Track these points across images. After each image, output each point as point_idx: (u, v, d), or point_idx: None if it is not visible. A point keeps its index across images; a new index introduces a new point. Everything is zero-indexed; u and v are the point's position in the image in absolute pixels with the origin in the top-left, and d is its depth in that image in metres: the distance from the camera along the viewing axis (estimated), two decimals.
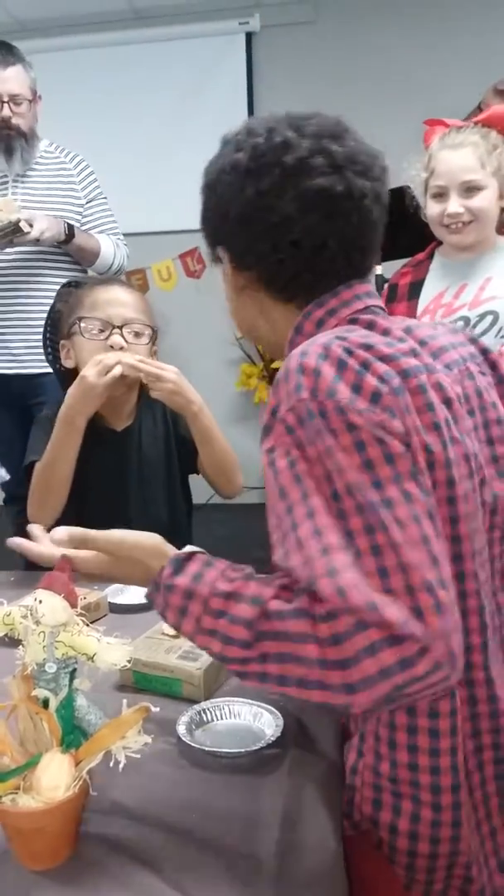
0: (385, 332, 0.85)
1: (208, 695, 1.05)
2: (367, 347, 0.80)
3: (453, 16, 3.76)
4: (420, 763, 0.83)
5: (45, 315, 1.71)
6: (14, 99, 2.31)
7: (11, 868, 0.76)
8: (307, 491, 0.73)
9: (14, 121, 2.31)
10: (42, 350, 1.72)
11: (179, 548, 0.88)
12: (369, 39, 3.83)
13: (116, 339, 1.52)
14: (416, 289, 1.84)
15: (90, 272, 2.50)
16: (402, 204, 1.79)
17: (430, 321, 1.60)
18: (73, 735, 0.77)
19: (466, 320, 1.72)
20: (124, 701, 0.77)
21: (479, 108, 2.15)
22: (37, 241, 2.24)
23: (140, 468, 1.64)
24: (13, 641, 0.80)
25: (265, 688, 0.72)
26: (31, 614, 0.77)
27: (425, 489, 0.75)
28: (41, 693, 0.77)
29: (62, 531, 0.89)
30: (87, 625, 0.80)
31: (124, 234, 2.55)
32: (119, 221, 2.53)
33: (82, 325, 1.54)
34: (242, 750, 0.92)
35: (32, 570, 1.44)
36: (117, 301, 1.55)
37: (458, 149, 1.71)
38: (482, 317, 1.71)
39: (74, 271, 2.44)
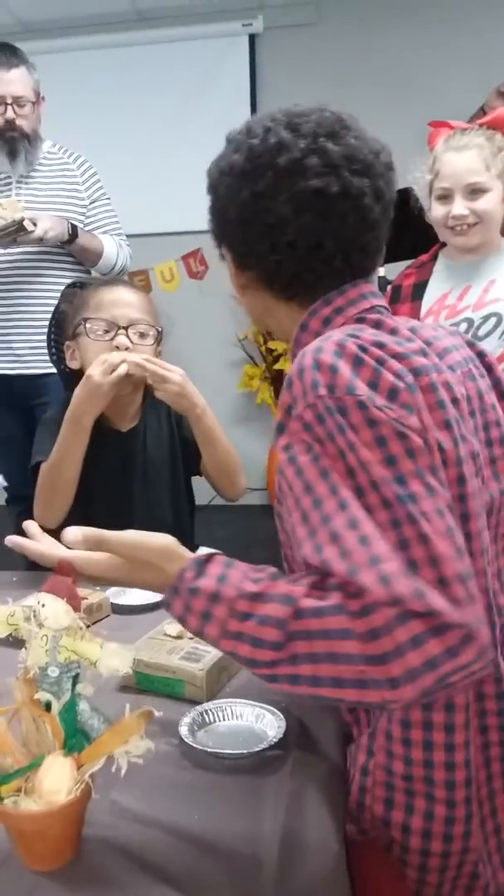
0: (393, 332, 0.86)
1: (211, 696, 1.05)
2: (380, 345, 0.80)
3: (455, 17, 3.77)
4: (435, 759, 0.83)
5: (48, 315, 1.71)
6: (18, 101, 2.31)
7: (14, 868, 0.76)
8: (336, 485, 0.73)
9: (18, 122, 2.32)
10: (45, 350, 1.72)
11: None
12: (371, 41, 3.84)
13: (122, 339, 1.52)
14: (419, 290, 1.84)
15: (93, 273, 2.50)
16: (405, 205, 1.79)
17: (433, 323, 1.60)
18: (75, 739, 0.76)
19: (470, 322, 1.72)
20: (127, 705, 0.77)
21: (483, 110, 2.15)
22: (40, 241, 2.25)
23: (145, 469, 1.64)
24: (14, 641, 0.80)
25: (295, 691, 0.70)
26: (34, 617, 0.77)
27: (444, 484, 0.75)
28: (43, 696, 0.77)
29: (76, 532, 0.84)
30: (88, 626, 0.79)
31: (127, 236, 2.55)
32: (122, 222, 2.54)
33: (87, 325, 1.54)
34: (244, 751, 0.92)
35: (35, 570, 1.44)
36: (122, 302, 1.55)
37: (463, 151, 1.71)
38: (486, 319, 1.71)
39: (77, 272, 2.44)
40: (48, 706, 0.77)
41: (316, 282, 0.90)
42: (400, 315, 1.76)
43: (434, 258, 1.87)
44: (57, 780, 0.73)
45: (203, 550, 0.83)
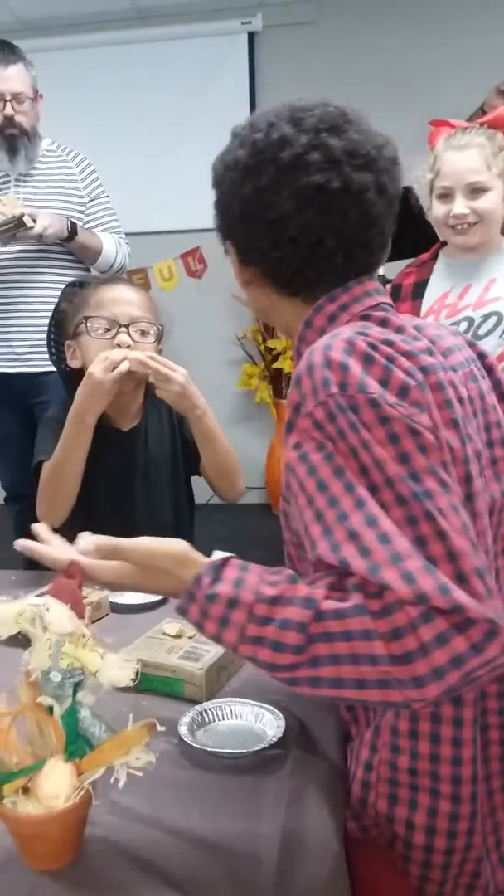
0: (399, 330, 0.86)
1: (210, 695, 1.05)
2: (389, 343, 0.80)
3: (455, 16, 3.77)
4: (442, 754, 0.84)
5: (47, 313, 1.71)
6: (17, 97, 2.31)
7: (14, 869, 0.76)
8: (351, 482, 0.73)
9: (17, 119, 2.32)
10: (45, 348, 1.72)
11: None
12: (371, 39, 3.83)
13: (123, 337, 1.52)
14: (420, 289, 1.84)
15: (92, 270, 2.50)
16: (406, 204, 1.78)
17: (433, 322, 1.60)
18: (76, 745, 0.76)
19: (471, 321, 1.73)
20: (130, 716, 0.76)
21: (482, 109, 2.15)
22: (39, 237, 2.24)
23: (146, 468, 1.64)
24: (13, 641, 0.80)
25: (316, 693, 0.71)
26: (40, 620, 0.76)
27: (455, 481, 0.75)
28: (46, 700, 0.76)
29: (89, 541, 0.84)
30: (90, 624, 0.79)
31: (125, 234, 2.55)
32: (120, 221, 2.53)
33: (88, 324, 1.53)
34: (244, 751, 0.92)
35: (34, 570, 1.44)
36: (123, 300, 1.55)
37: (464, 150, 1.71)
38: (486, 317, 1.72)
39: (76, 269, 2.44)
40: (51, 710, 0.76)
41: (318, 278, 0.90)
42: (400, 314, 1.76)
43: (434, 257, 1.87)
44: (56, 785, 0.73)
45: (217, 554, 0.81)
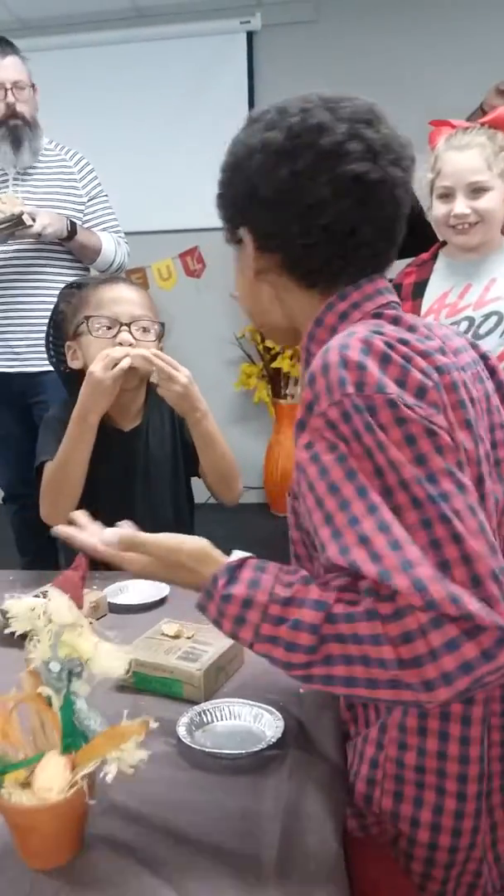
0: (412, 329, 0.85)
1: (208, 696, 1.05)
2: (404, 342, 0.80)
3: (454, 16, 3.76)
4: (449, 752, 0.84)
5: (46, 313, 1.70)
6: (17, 84, 2.32)
7: (12, 866, 0.76)
8: (364, 486, 0.73)
9: (19, 108, 2.32)
10: (44, 348, 1.71)
11: None
12: (370, 39, 3.83)
13: (125, 336, 1.51)
14: (420, 288, 1.84)
15: (91, 270, 2.50)
16: None
17: (434, 321, 1.60)
18: (72, 738, 0.76)
19: (471, 321, 1.73)
20: (125, 711, 0.77)
21: (482, 109, 2.15)
22: (39, 236, 2.24)
23: (147, 468, 1.63)
24: (15, 641, 0.80)
25: (331, 690, 0.73)
26: (44, 610, 0.76)
27: (471, 482, 0.75)
28: (44, 691, 0.77)
29: (112, 533, 0.88)
30: (91, 621, 0.79)
31: (124, 233, 2.55)
32: (119, 220, 2.53)
33: (90, 324, 1.53)
34: (243, 751, 0.92)
35: (32, 570, 1.44)
36: (123, 299, 1.55)
37: (464, 150, 1.72)
38: (487, 317, 1.72)
39: (75, 268, 2.44)
40: (50, 701, 0.77)
41: (342, 270, 0.88)
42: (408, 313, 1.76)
43: (434, 257, 1.87)
44: (50, 778, 0.74)
45: (237, 554, 0.83)
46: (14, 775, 0.74)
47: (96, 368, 1.44)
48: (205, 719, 0.99)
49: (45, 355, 1.71)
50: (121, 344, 1.50)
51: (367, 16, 3.85)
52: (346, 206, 0.84)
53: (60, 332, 1.63)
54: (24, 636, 0.78)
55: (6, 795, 0.73)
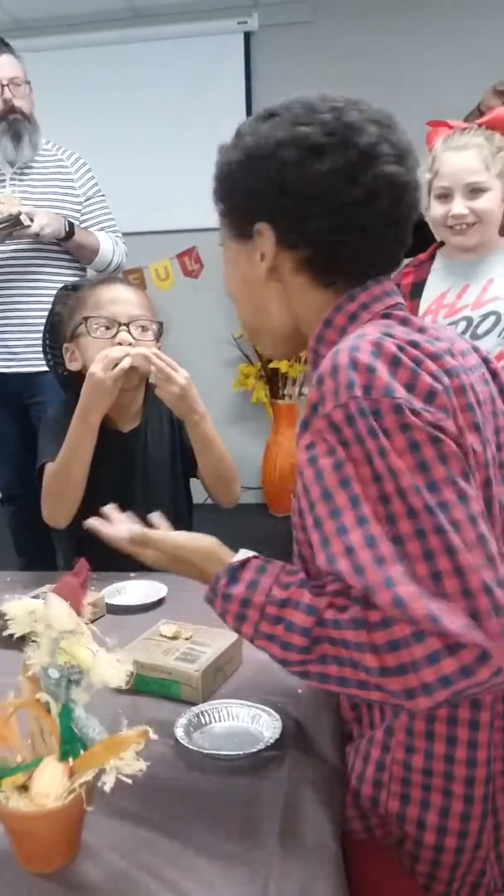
0: (421, 330, 0.85)
1: (206, 697, 1.05)
2: (414, 345, 0.79)
3: (452, 16, 3.76)
4: (457, 755, 0.84)
5: (43, 313, 1.70)
6: (13, 80, 2.32)
7: (11, 868, 0.75)
8: (356, 496, 0.73)
9: (17, 103, 2.33)
10: (41, 348, 1.71)
11: None
12: (367, 39, 3.83)
13: (124, 336, 1.51)
14: (417, 289, 1.84)
15: (88, 270, 2.49)
16: None
17: (432, 322, 1.60)
18: (70, 745, 0.76)
19: (469, 321, 1.73)
20: (125, 721, 0.76)
21: (479, 109, 2.15)
22: (36, 236, 2.24)
23: (145, 470, 1.63)
24: (14, 642, 0.79)
25: (326, 688, 0.76)
26: (45, 616, 0.76)
27: (476, 489, 0.75)
28: (42, 697, 0.76)
29: (123, 530, 0.97)
30: (89, 623, 0.79)
31: (122, 234, 2.55)
32: (116, 220, 2.53)
33: (88, 324, 1.53)
34: (241, 752, 0.91)
35: (30, 571, 1.43)
36: (120, 299, 1.54)
37: (462, 150, 1.72)
38: (485, 317, 1.72)
39: (72, 269, 2.44)
40: (48, 707, 0.76)
41: (368, 268, 0.88)
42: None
43: (432, 257, 1.87)
44: (47, 784, 0.73)
45: (242, 553, 0.88)
46: (12, 779, 0.74)
47: (96, 369, 1.44)
48: (203, 720, 0.99)
49: (42, 356, 1.71)
50: (120, 344, 1.50)
51: (364, 16, 3.85)
52: (381, 206, 0.85)
53: (57, 334, 1.63)
54: (22, 638, 0.78)
55: (3, 800, 0.73)
